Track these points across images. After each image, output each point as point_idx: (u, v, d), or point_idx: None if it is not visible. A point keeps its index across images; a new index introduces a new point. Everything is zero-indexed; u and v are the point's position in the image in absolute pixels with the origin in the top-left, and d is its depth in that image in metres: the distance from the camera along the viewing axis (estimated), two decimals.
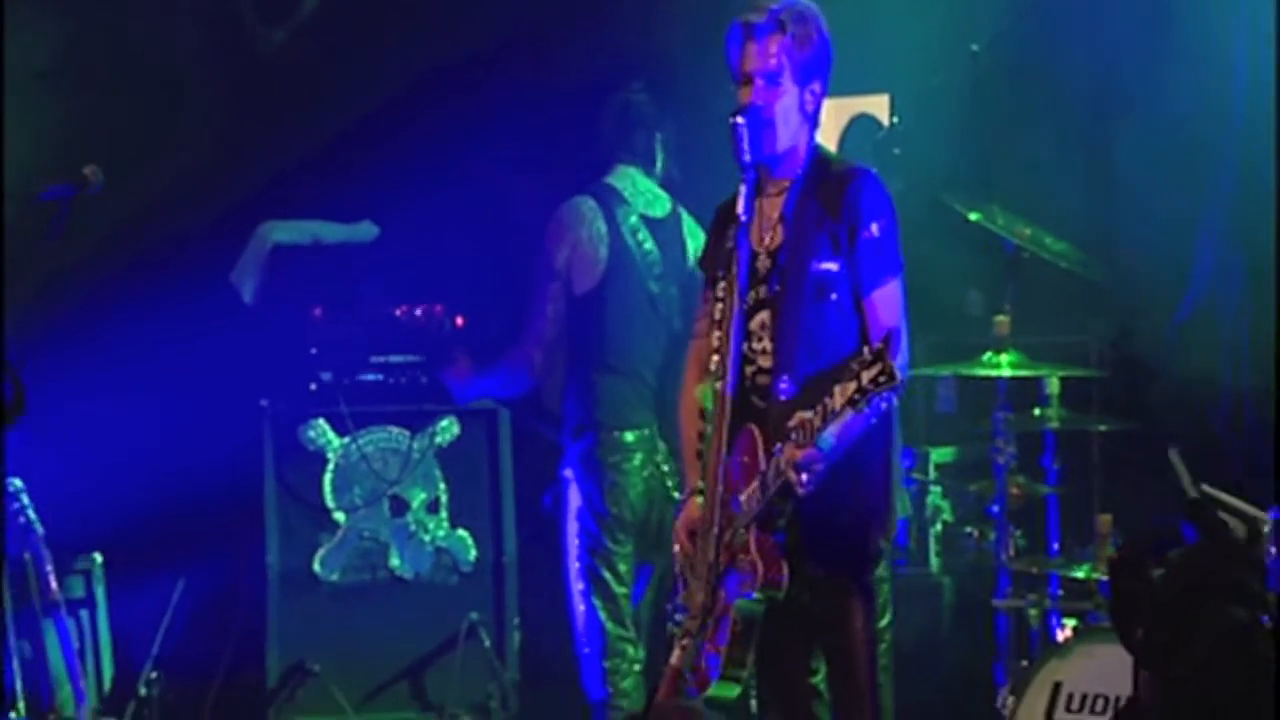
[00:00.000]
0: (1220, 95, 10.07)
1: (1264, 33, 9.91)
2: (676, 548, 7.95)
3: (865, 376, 7.14)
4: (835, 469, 7.49)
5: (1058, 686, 8.54)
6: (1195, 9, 9.90)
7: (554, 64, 10.60)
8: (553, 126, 10.56)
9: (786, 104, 7.83)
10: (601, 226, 9.35)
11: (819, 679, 7.87)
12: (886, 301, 7.71)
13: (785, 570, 7.58)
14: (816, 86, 7.87)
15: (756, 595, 7.59)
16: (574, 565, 9.38)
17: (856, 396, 7.14)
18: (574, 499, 9.40)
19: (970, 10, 10.00)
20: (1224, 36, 10.00)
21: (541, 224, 9.49)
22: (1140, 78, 9.96)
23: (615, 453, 9.39)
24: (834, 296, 7.73)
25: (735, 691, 7.71)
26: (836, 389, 7.21)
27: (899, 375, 7.08)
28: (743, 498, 7.62)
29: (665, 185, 9.52)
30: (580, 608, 9.36)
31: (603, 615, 9.35)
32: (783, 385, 7.69)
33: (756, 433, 7.65)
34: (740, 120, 7.78)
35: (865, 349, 7.24)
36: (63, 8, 10.30)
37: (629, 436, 9.37)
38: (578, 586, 9.37)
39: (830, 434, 7.26)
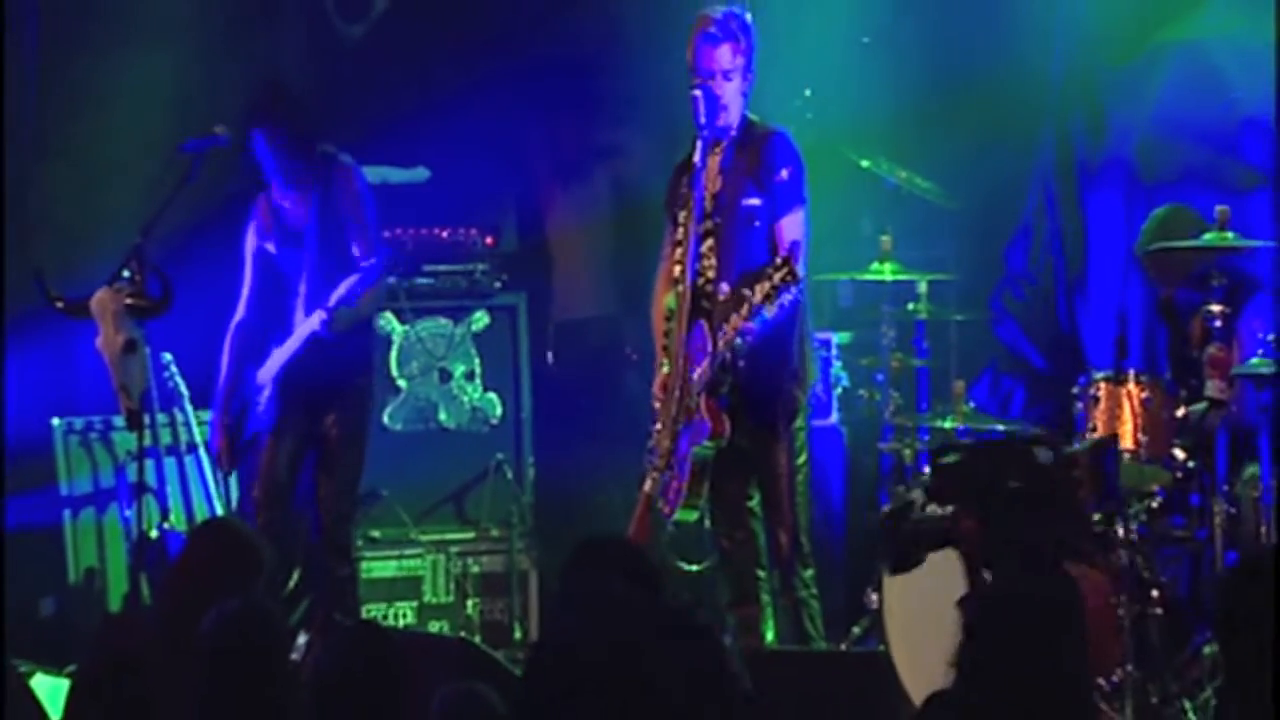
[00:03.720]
0: (1042, 65, 10.18)
1: (1078, 11, 10.05)
2: (657, 405, 8.14)
3: (776, 277, 7.45)
4: (764, 350, 7.73)
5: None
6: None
7: (557, 46, 10.62)
8: (553, 97, 10.66)
9: (732, 85, 8.01)
10: None
11: (754, 503, 8.10)
12: (792, 225, 7.95)
13: (728, 425, 7.81)
14: (749, 75, 8.05)
15: (708, 444, 7.82)
16: None
17: (770, 291, 7.42)
18: None
19: (861, 11, 10.08)
20: (1044, 15, 10.11)
21: (549, 172, 9.58)
22: (986, 55, 10.02)
23: None
24: (757, 224, 7.98)
25: (694, 515, 7.96)
26: (756, 286, 7.49)
27: (799, 274, 7.40)
28: (697, 372, 7.82)
29: None
30: None
31: None
32: (723, 288, 7.90)
33: (705, 326, 7.87)
34: (698, 93, 7.98)
35: (777, 258, 7.51)
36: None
37: None
38: None
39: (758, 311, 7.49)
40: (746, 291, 7.58)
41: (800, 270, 7.53)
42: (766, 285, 7.49)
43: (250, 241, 8.88)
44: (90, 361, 8.66)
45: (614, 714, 4.56)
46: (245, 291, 8.87)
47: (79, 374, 9.56)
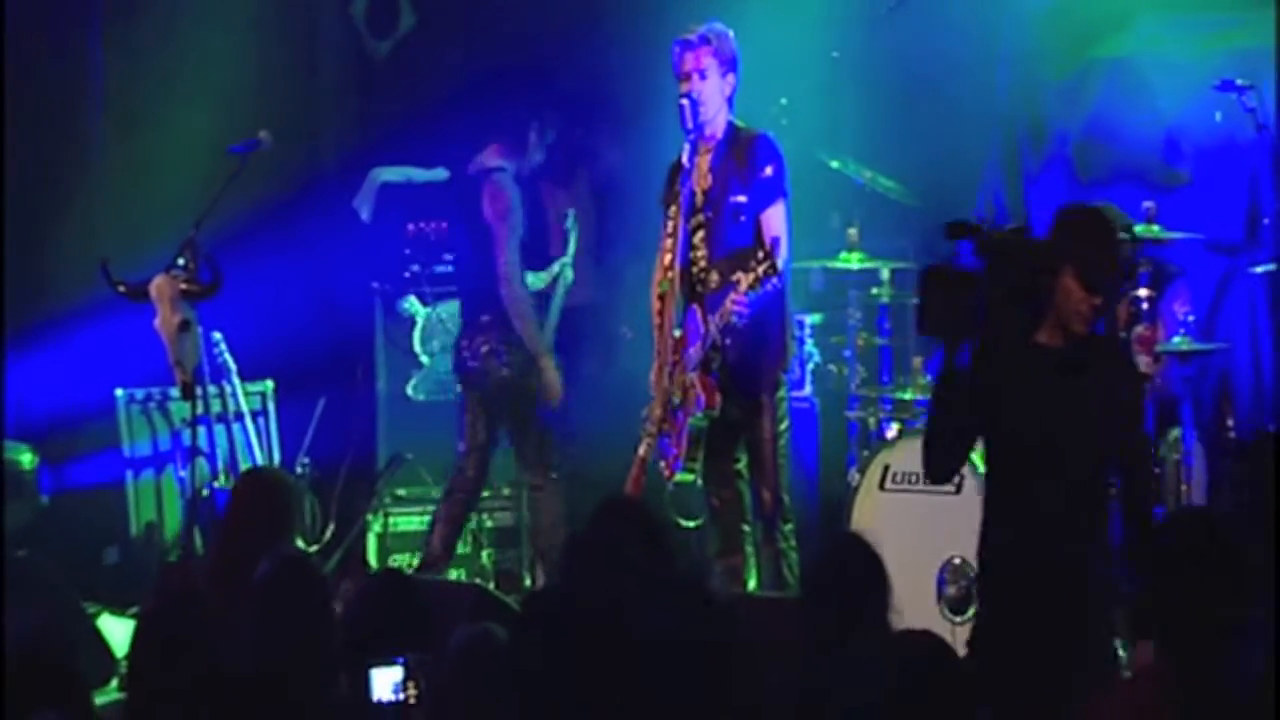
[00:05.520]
0: (991, 79, 10.19)
1: (1021, 22, 10.05)
2: (652, 385, 8.17)
3: (760, 269, 7.47)
4: (751, 332, 7.74)
5: (887, 468, 8.60)
6: (972, 18, 10.01)
7: (561, 61, 10.62)
8: (558, 105, 10.63)
9: (711, 89, 8.04)
10: None
11: (741, 465, 8.14)
12: (774, 218, 8.00)
13: (719, 398, 7.83)
14: (730, 79, 8.10)
15: (701, 415, 7.84)
16: None
17: (754, 282, 7.44)
18: None
19: (832, 29, 10.06)
20: (993, 35, 10.11)
21: (553, 172, 9.61)
22: (942, 70, 10.01)
23: None
24: (743, 218, 8.01)
25: (691, 477, 8.00)
26: (743, 276, 7.49)
27: (780, 267, 7.41)
28: (691, 351, 7.84)
29: None
30: None
31: None
32: (713, 276, 7.92)
33: (698, 309, 7.89)
34: (685, 102, 7.99)
35: (760, 250, 7.53)
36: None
37: None
38: None
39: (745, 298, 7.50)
40: (735, 277, 7.62)
41: (780, 264, 7.64)
42: (751, 277, 7.57)
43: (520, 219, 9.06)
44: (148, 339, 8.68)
45: (600, 659, 4.56)
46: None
47: (137, 350, 9.53)
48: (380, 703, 5.03)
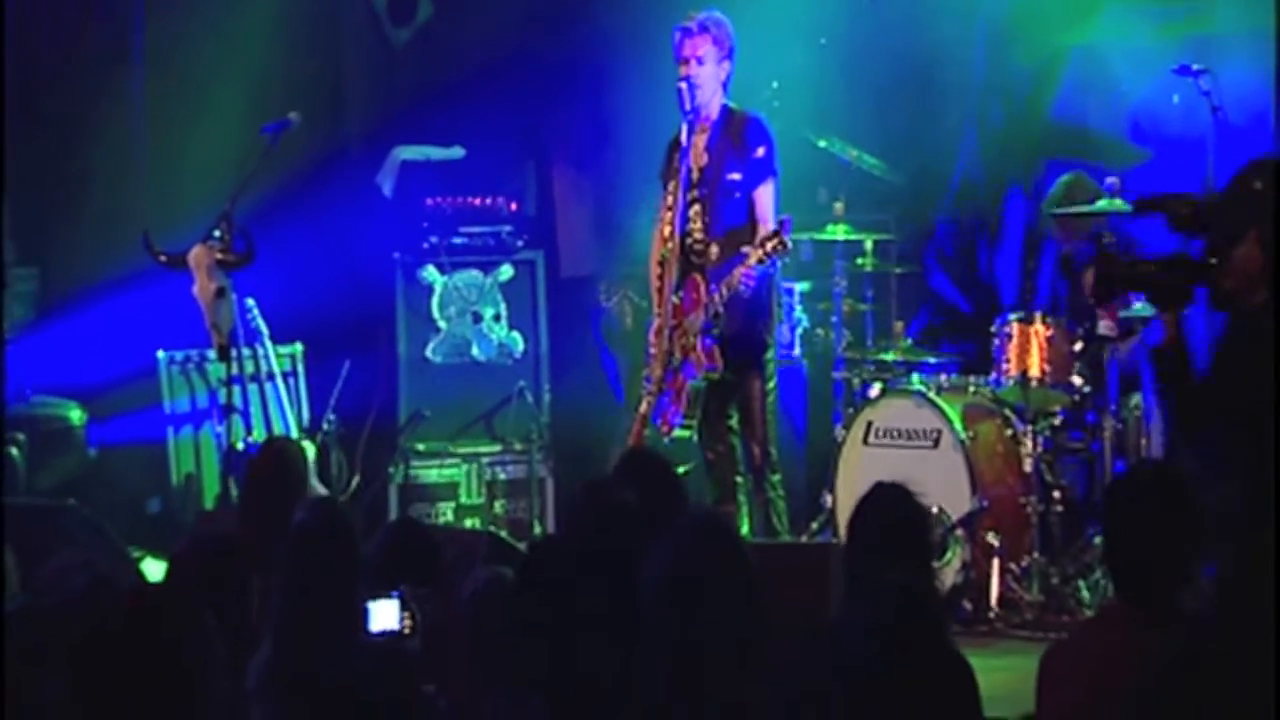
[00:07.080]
0: (966, 64, 10.20)
1: (996, 10, 10.06)
2: (651, 348, 8.21)
3: (769, 245, 7.53)
4: (744, 300, 7.78)
5: (870, 424, 8.65)
6: (950, 6, 10.02)
7: (568, 50, 10.62)
8: (565, 90, 10.66)
9: (708, 74, 8.08)
10: None
11: (734, 421, 8.19)
12: (765, 196, 8.05)
13: (719, 360, 7.87)
14: (726, 65, 8.13)
15: (701, 377, 7.88)
16: None
17: (763, 256, 7.48)
18: None
19: (820, 16, 10.07)
20: (968, 23, 10.12)
21: (561, 151, 9.66)
22: (921, 55, 10.04)
23: None
24: (737, 195, 8.06)
25: (688, 433, 8.05)
26: (752, 251, 7.55)
27: (789, 245, 7.44)
28: (691, 318, 7.88)
29: None
30: None
31: None
32: (712, 249, 7.95)
33: (697, 278, 7.92)
34: (683, 85, 8.01)
35: (766, 228, 7.57)
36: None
37: None
38: None
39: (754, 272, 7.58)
40: (746, 250, 7.66)
41: (789, 243, 7.69)
42: (760, 252, 7.64)
43: None
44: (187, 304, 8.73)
45: (600, 604, 4.56)
46: None
47: (177, 315, 9.57)
48: (382, 633, 5.04)
